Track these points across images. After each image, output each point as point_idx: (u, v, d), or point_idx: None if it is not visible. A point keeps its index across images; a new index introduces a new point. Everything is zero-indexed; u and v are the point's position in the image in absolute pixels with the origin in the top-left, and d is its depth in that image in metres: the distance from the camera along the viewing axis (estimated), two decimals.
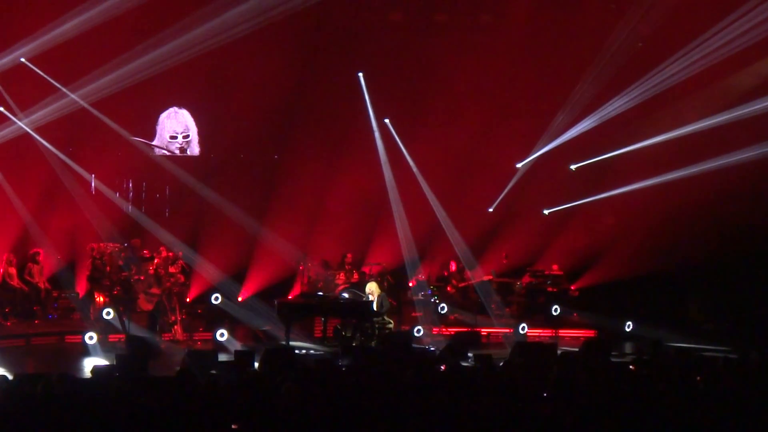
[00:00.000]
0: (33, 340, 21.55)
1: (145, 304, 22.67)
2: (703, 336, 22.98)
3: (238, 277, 25.42)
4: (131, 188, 27.51)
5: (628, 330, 24.30)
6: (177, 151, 27.65)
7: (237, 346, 20.43)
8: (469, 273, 26.71)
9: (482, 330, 23.99)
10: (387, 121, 27.27)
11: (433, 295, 25.55)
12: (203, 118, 27.80)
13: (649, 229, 26.86)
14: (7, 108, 23.97)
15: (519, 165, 27.64)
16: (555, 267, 26.92)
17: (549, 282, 26.36)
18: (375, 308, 21.68)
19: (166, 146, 27.56)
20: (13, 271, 23.23)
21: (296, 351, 20.16)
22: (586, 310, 25.53)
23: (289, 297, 24.72)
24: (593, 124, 25.94)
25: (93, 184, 25.77)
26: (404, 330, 23.00)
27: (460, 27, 27.01)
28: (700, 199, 25.07)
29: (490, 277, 26.40)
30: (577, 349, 19.71)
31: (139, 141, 26.82)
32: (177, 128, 27.78)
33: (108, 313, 21.85)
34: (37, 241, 24.15)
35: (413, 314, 24.54)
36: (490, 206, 28.10)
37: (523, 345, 19.94)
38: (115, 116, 25.31)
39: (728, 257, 25.55)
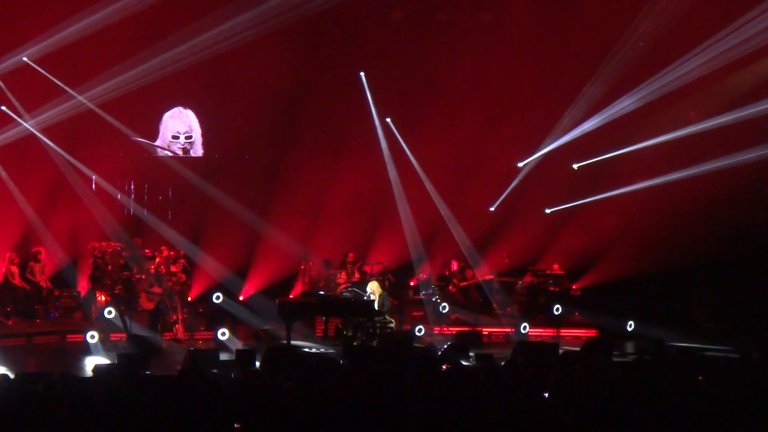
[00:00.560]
0: (34, 339, 21.58)
1: (146, 303, 22.69)
2: (705, 335, 23.00)
3: (240, 276, 25.41)
4: (132, 190, 27.40)
5: (629, 329, 24.32)
6: (179, 152, 27.60)
7: (238, 345, 20.45)
8: (470, 272, 26.71)
9: (483, 329, 24.00)
10: (388, 120, 27.27)
11: (434, 295, 25.54)
12: (206, 118, 27.78)
13: (650, 228, 26.84)
14: (12, 108, 23.96)
15: (520, 164, 27.61)
16: (556, 266, 26.92)
17: (550, 281, 26.36)
18: (376, 307, 21.69)
19: (168, 146, 27.51)
20: (14, 269, 23.25)
21: (305, 350, 20.22)
22: (587, 310, 25.53)
23: (291, 296, 24.71)
24: (596, 125, 25.91)
25: (94, 184, 25.69)
26: (405, 329, 23.01)
27: (462, 26, 27.00)
28: (702, 199, 25.09)
29: (492, 277, 26.39)
30: (578, 349, 19.60)
31: (141, 141, 26.79)
32: (180, 128, 27.71)
33: (109, 312, 21.87)
34: (39, 240, 24.15)
35: (414, 313, 24.54)
36: (491, 205, 28.07)
37: (525, 344, 19.92)
38: (118, 115, 25.32)
39: (730, 257, 25.55)
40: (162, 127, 27.64)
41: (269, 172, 27.56)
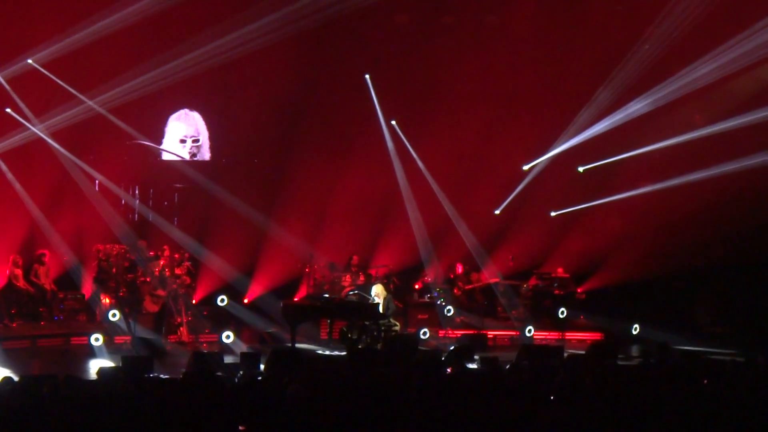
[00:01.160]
0: (39, 342, 21.57)
1: (151, 306, 22.68)
2: (710, 339, 22.98)
3: (245, 279, 25.40)
4: (137, 195, 27.31)
5: (634, 333, 24.30)
6: (186, 156, 27.53)
7: (243, 348, 20.48)
8: (475, 275, 26.71)
9: (488, 332, 23.99)
10: (393, 122, 27.27)
11: (439, 298, 25.54)
12: (212, 121, 27.75)
13: (656, 231, 26.82)
14: (19, 112, 23.98)
15: (526, 167, 27.58)
16: (560, 270, 26.88)
17: (555, 285, 26.34)
18: (381, 310, 21.67)
19: (174, 150, 27.44)
20: (18, 272, 23.24)
21: (310, 353, 20.22)
22: (592, 313, 25.54)
23: (295, 299, 24.71)
24: (603, 129, 25.88)
25: (98, 186, 25.66)
26: (410, 332, 23.00)
27: (467, 29, 26.98)
28: (707, 202, 25.02)
29: (497, 280, 26.38)
30: (583, 352, 19.62)
31: (145, 144, 26.75)
32: (187, 131, 27.62)
33: (114, 315, 21.88)
34: (44, 242, 24.16)
35: (419, 316, 24.53)
36: (496, 208, 28.04)
37: (530, 348, 19.93)
38: (123, 118, 25.29)
39: (736, 260, 25.51)
40: (168, 131, 27.53)
41: (275, 175, 27.54)
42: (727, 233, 25.66)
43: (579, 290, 26.82)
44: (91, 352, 20.28)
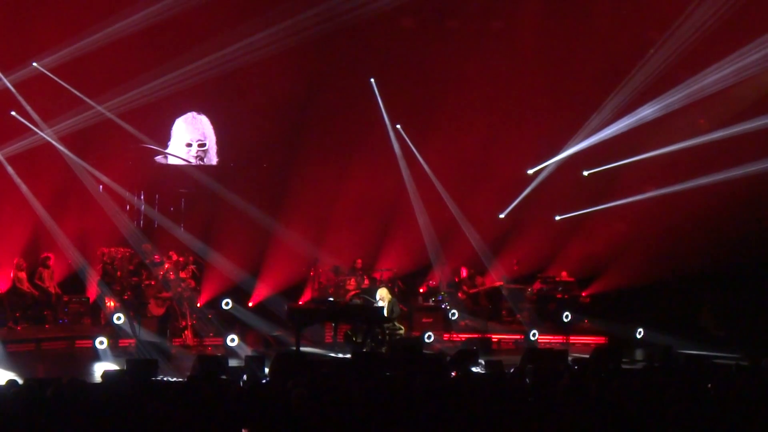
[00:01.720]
0: (43, 345, 21.58)
1: (155, 309, 22.67)
2: (715, 343, 22.92)
3: (249, 282, 25.41)
4: (143, 200, 27.27)
5: (639, 337, 24.28)
6: (193, 160, 27.49)
7: (247, 351, 20.46)
8: (480, 279, 26.72)
9: (493, 336, 23.98)
10: (398, 126, 27.31)
11: (443, 301, 25.55)
12: (218, 125, 27.75)
13: (660, 235, 26.82)
14: (26, 115, 24.02)
15: (530, 171, 27.59)
16: (565, 273, 26.87)
17: (560, 288, 26.32)
18: (385, 314, 21.68)
19: (181, 154, 27.41)
20: (22, 275, 23.25)
21: (315, 356, 20.21)
22: (597, 317, 25.52)
23: (300, 302, 24.72)
24: (609, 135, 25.89)
25: (103, 188, 25.65)
26: (415, 336, 23.01)
27: (472, 33, 27.00)
28: (712, 207, 25.03)
29: (500, 283, 26.39)
30: (587, 356, 19.66)
31: (151, 148, 26.75)
32: (193, 135, 27.55)
33: (119, 318, 21.89)
34: (48, 246, 24.18)
35: (424, 320, 24.53)
36: (501, 212, 28.05)
37: (534, 351, 19.95)
38: (129, 121, 25.31)
39: (740, 264, 25.50)
40: (174, 135, 27.48)
41: (280, 178, 27.55)
42: (732, 237, 25.65)
43: (583, 294, 26.80)
44: (95, 355, 20.28)
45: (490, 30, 27.11)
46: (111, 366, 18.76)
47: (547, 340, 24.27)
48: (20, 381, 12.93)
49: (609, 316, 25.10)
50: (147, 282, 23.21)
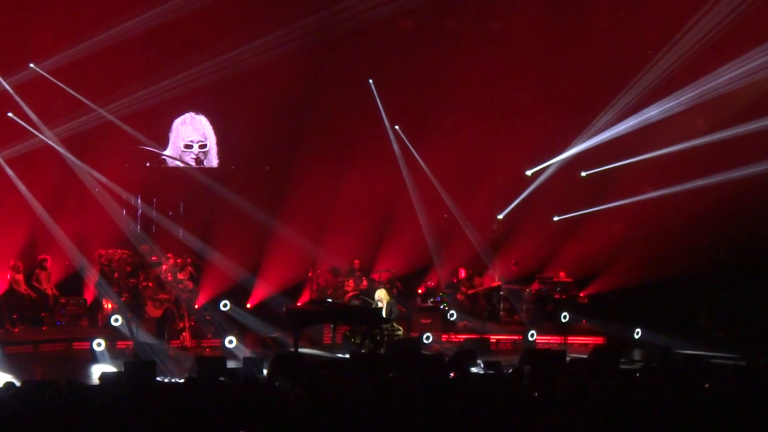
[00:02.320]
0: (41, 347, 21.57)
1: (153, 311, 22.65)
2: (712, 343, 22.95)
3: (248, 283, 25.41)
4: (139, 205, 27.19)
5: (636, 337, 24.28)
6: (192, 162, 27.42)
7: (246, 353, 20.44)
8: (478, 280, 26.73)
9: (491, 337, 23.98)
10: (397, 127, 27.34)
11: (442, 302, 25.56)
12: (217, 126, 27.73)
13: (658, 236, 26.83)
14: (25, 117, 24.03)
15: (528, 172, 27.61)
16: (563, 274, 26.88)
17: (558, 289, 26.31)
18: (384, 315, 21.67)
19: (180, 156, 27.36)
20: (20, 277, 23.22)
21: (321, 356, 20.23)
22: (595, 317, 25.51)
23: (299, 303, 24.71)
24: (610, 137, 25.93)
25: (101, 190, 25.61)
26: (413, 337, 23.00)
27: (470, 34, 27.03)
28: (709, 207, 25.02)
29: (499, 283, 26.40)
30: (586, 356, 19.67)
31: (149, 150, 26.71)
32: (193, 136, 27.44)
33: (116, 320, 21.89)
34: (46, 247, 24.18)
35: (422, 321, 24.53)
36: (499, 213, 28.08)
37: (532, 352, 19.95)
38: (128, 122, 25.31)
39: (738, 264, 25.52)
40: (173, 135, 27.33)
41: (279, 179, 27.55)
42: (729, 237, 25.67)
43: (581, 294, 26.79)
44: (93, 357, 20.27)
45: (489, 31, 27.14)
46: (109, 368, 18.75)
47: (546, 341, 24.26)
48: (18, 383, 12.93)
49: (607, 316, 25.08)
50: (145, 284, 23.19)
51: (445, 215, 27.97)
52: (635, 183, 26.94)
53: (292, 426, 10.48)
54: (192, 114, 27.40)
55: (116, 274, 23.53)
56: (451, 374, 15.78)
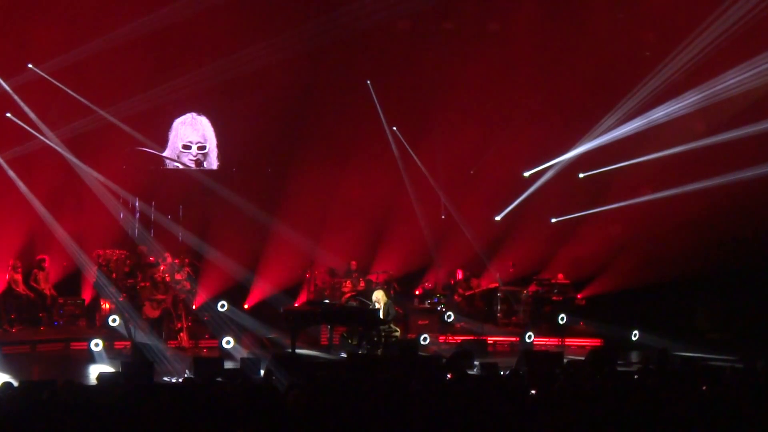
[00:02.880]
0: (38, 347, 21.56)
1: (151, 312, 22.64)
2: (710, 345, 22.98)
3: (245, 284, 25.42)
4: (138, 208, 27.07)
5: (634, 339, 24.30)
6: (191, 164, 27.35)
7: (243, 353, 20.42)
8: (475, 281, 26.73)
9: (488, 338, 23.97)
10: (395, 129, 27.35)
11: (439, 303, 25.57)
12: (217, 128, 27.70)
13: (656, 238, 26.86)
14: (25, 119, 24.03)
15: (526, 174, 27.64)
16: (560, 276, 26.89)
17: (555, 291, 26.32)
18: (381, 316, 21.66)
19: (178, 157, 27.30)
20: (18, 277, 23.21)
21: (318, 357, 20.23)
22: (592, 319, 25.51)
23: (296, 304, 24.69)
24: (610, 141, 25.96)
25: (100, 190, 25.60)
26: (411, 338, 23.00)
27: (468, 36, 27.05)
28: (707, 209, 25.06)
29: (496, 285, 26.40)
30: (583, 358, 19.68)
31: (146, 152, 26.67)
32: (192, 137, 27.36)
33: (114, 320, 21.88)
34: (44, 248, 24.18)
35: (420, 322, 24.52)
36: (496, 214, 28.09)
37: (530, 353, 19.95)
38: (127, 122, 25.33)
39: (735, 267, 25.54)
40: (172, 135, 27.24)
41: (277, 181, 27.55)
42: (727, 240, 25.69)
43: (579, 296, 26.82)
44: (91, 358, 20.26)
45: (487, 33, 27.16)
46: (106, 368, 18.73)
47: (543, 343, 24.26)
48: (15, 383, 12.93)
49: (604, 318, 25.07)
50: (142, 284, 23.18)
51: (443, 216, 28.01)
52: (633, 185, 26.96)
53: (289, 427, 10.49)
54: (193, 114, 27.33)
55: (114, 275, 23.51)
56: (448, 376, 15.78)
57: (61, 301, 23.66)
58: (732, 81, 23.32)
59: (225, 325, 22.81)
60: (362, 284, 25.06)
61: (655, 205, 26.30)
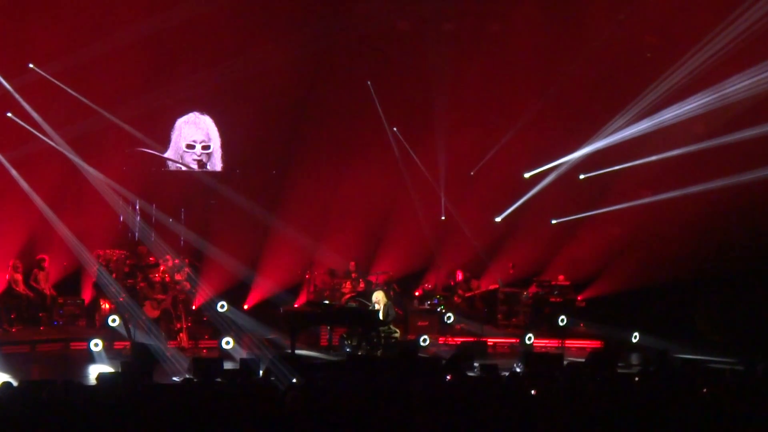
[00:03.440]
0: (38, 347, 21.55)
1: (150, 312, 22.63)
2: (710, 347, 22.95)
3: (245, 285, 25.42)
4: (138, 211, 26.86)
5: (634, 341, 24.27)
6: (194, 165, 27.28)
7: (242, 354, 20.40)
8: (475, 282, 26.73)
9: (488, 340, 23.95)
10: (395, 129, 27.35)
11: (439, 305, 25.56)
12: (221, 129, 27.67)
13: (656, 240, 26.85)
14: (27, 118, 24.04)
15: (527, 175, 27.63)
16: (561, 277, 26.87)
17: (555, 292, 26.29)
18: (381, 317, 21.66)
19: (181, 157, 27.24)
20: (18, 277, 23.21)
21: (318, 358, 20.23)
22: (592, 321, 25.50)
23: (295, 305, 24.68)
24: (611, 143, 25.96)
25: (100, 190, 25.58)
26: (410, 339, 23.00)
27: (469, 36, 27.04)
28: (708, 211, 25.05)
29: (496, 286, 26.39)
30: (583, 360, 19.67)
31: (147, 152, 26.64)
32: (196, 136, 27.19)
33: (113, 320, 21.87)
34: (44, 247, 24.17)
35: (419, 323, 24.50)
36: (497, 215, 28.09)
37: (530, 355, 19.93)
38: (129, 121, 25.33)
39: (735, 269, 25.52)
40: (174, 134, 27.07)
41: (278, 181, 27.54)
42: (728, 242, 25.68)
43: (579, 298, 26.80)
44: (90, 358, 20.25)
45: (487, 33, 27.14)
46: (106, 368, 18.73)
47: (543, 344, 24.25)
48: (15, 383, 12.92)
49: (605, 320, 25.08)
50: (142, 284, 23.18)
51: (443, 217, 28.00)
52: (633, 187, 26.94)
53: (288, 427, 10.48)
54: (197, 113, 27.17)
55: (114, 275, 23.50)
56: (448, 377, 15.76)
57: (60, 301, 23.65)
58: (737, 86, 23.30)
59: (225, 325, 22.83)
60: (362, 285, 25.05)
61: (656, 207, 26.26)
